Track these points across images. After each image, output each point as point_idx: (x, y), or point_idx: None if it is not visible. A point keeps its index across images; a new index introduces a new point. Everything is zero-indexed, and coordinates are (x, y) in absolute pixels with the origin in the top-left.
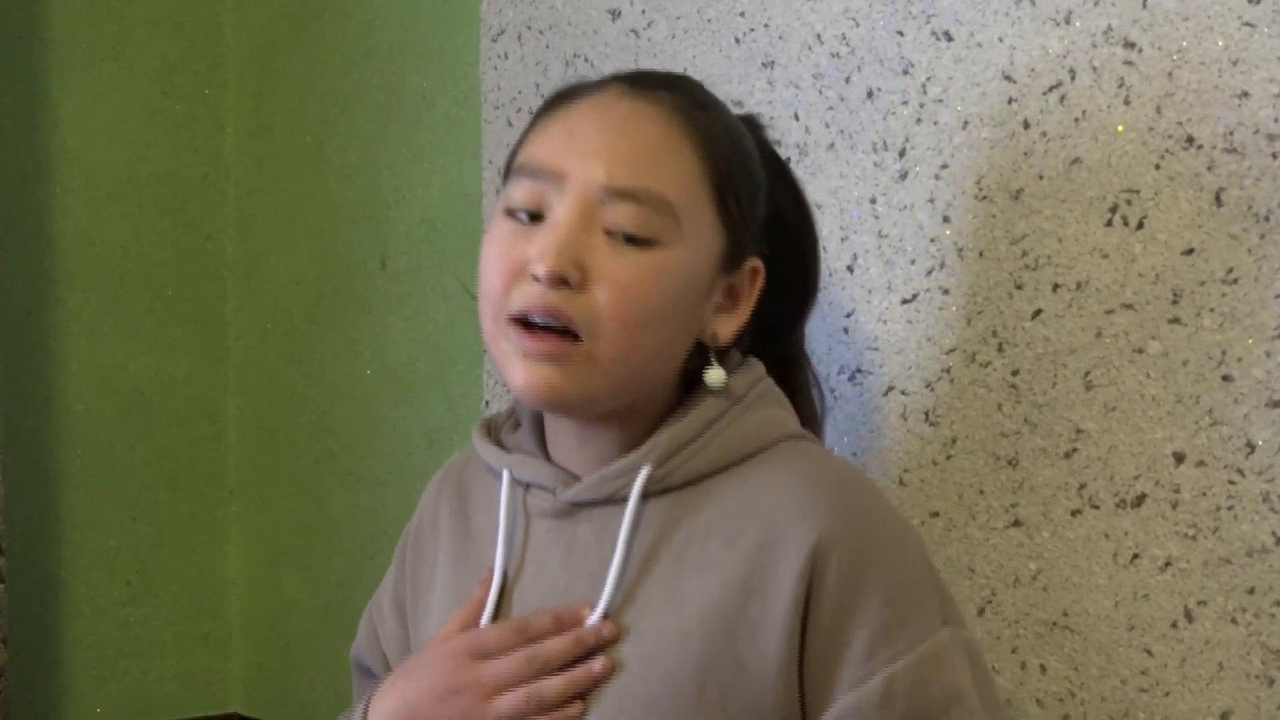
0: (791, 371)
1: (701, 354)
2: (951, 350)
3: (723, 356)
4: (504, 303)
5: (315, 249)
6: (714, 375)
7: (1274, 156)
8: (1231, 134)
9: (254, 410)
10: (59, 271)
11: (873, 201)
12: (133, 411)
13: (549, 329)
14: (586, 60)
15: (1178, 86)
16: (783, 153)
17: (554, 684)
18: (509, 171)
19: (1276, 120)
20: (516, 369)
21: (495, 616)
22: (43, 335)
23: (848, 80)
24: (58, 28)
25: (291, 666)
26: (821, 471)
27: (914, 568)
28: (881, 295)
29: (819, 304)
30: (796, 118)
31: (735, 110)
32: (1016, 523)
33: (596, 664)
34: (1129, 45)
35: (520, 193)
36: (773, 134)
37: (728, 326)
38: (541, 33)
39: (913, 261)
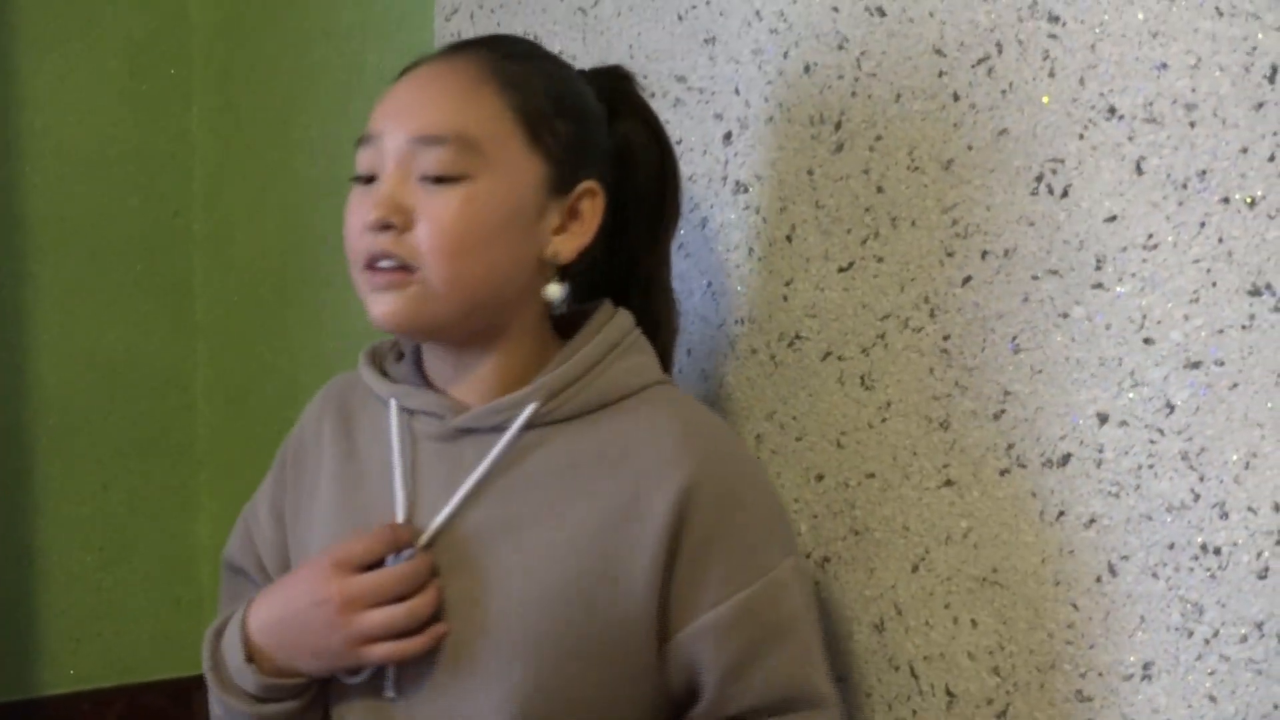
0: (653, 295)
1: (580, 282)
2: (886, 316)
3: (568, 277)
4: (355, 256)
5: (280, 224)
6: (551, 290)
7: (1191, 126)
8: (1151, 104)
9: (223, 381)
10: (30, 247)
11: (810, 173)
12: (104, 383)
13: (391, 268)
14: (536, 38)
15: (1100, 59)
16: (723, 126)
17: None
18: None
19: (1193, 90)
20: (370, 302)
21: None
22: (15, 309)
23: (785, 55)
24: (26, 8)
25: None
26: (693, 416)
27: (766, 505)
28: (819, 264)
29: (759, 272)
30: (737, 92)
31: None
32: (948, 482)
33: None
34: (1053, 19)
35: (360, 160)
36: (714, 108)
37: (568, 245)
38: (493, 11)
39: (848, 230)
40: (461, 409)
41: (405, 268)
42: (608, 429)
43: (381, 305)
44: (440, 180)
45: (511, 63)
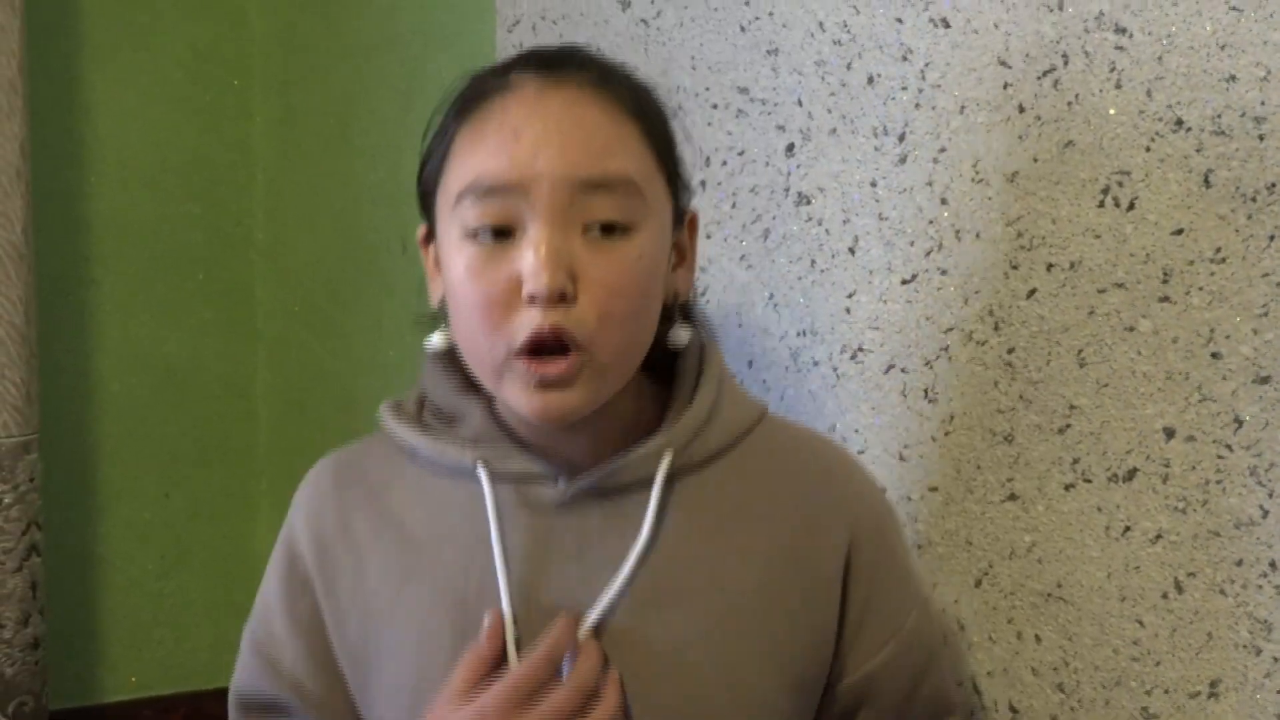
0: (696, 319)
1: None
2: (949, 329)
3: (687, 318)
4: (502, 336)
5: (339, 232)
6: (679, 334)
7: (1260, 138)
8: (1219, 116)
9: (283, 387)
10: (94, 254)
11: (873, 185)
12: (166, 389)
13: (561, 354)
14: (598, 49)
15: (1167, 70)
16: (786, 138)
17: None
18: (428, 193)
19: (1263, 103)
20: (530, 399)
21: (517, 639)
22: (79, 315)
23: (849, 67)
24: (89, 17)
25: None
26: (830, 452)
27: (901, 525)
28: (882, 276)
29: (821, 284)
30: (800, 104)
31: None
32: (1012, 496)
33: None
34: (1120, 30)
35: (480, 213)
36: (776, 119)
37: (685, 280)
38: (555, 23)
39: (912, 243)
40: (572, 468)
41: (569, 346)
42: (743, 474)
43: (550, 402)
44: (609, 230)
45: (632, 89)
